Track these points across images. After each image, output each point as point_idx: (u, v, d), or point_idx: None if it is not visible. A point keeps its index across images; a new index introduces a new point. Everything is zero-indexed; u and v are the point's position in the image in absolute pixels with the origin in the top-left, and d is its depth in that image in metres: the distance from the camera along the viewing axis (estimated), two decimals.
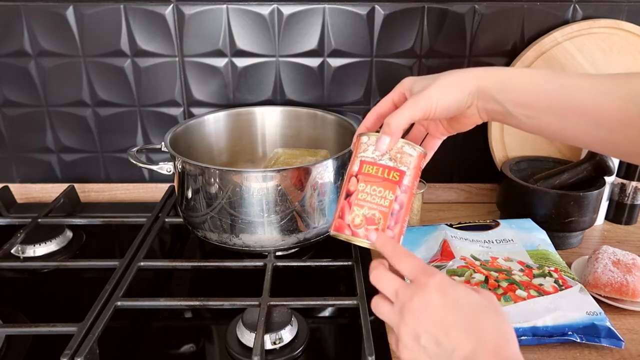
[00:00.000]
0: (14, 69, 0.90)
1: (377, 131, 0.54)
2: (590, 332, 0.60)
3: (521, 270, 0.67)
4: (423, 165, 0.54)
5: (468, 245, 0.73)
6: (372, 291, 0.72)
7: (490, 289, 0.63)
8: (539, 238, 0.75)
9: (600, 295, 0.69)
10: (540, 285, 0.65)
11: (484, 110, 0.53)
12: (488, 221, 0.80)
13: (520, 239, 0.75)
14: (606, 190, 0.86)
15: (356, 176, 0.52)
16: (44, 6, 0.86)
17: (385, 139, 0.51)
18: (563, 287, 0.64)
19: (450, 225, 0.78)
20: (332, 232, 0.53)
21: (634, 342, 0.63)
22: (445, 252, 0.71)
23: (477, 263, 0.69)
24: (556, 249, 0.75)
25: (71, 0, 0.86)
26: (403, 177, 0.51)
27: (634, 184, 0.88)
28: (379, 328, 0.65)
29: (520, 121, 0.51)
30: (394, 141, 0.51)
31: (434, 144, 0.60)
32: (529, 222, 0.79)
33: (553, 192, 0.79)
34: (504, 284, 0.64)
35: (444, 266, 0.68)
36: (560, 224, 0.80)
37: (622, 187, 0.89)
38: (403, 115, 0.51)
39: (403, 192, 0.52)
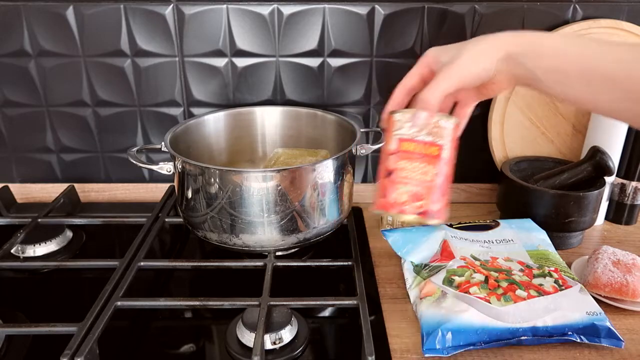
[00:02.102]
0: (14, 69, 0.90)
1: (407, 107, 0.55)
2: (590, 332, 0.60)
3: (521, 271, 0.67)
4: (457, 135, 0.55)
5: (468, 245, 0.73)
6: (371, 291, 0.72)
7: (490, 289, 0.63)
8: (539, 238, 0.75)
9: (600, 295, 0.69)
10: (540, 285, 0.64)
11: (512, 76, 0.52)
12: (488, 221, 0.79)
13: (520, 239, 0.75)
14: (606, 190, 0.86)
15: (395, 154, 0.53)
16: (44, 6, 0.86)
17: (422, 114, 0.52)
18: (563, 287, 0.64)
19: (450, 225, 0.78)
20: (377, 211, 0.55)
21: (633, 342, 0.63)
22: (445, 252, 0.71)
23: (477, 263, 0.69)
24: (556, 249, 0.75)
25: (71, 0, 0.86)
26: (442, 150, 0.53)
27: (634, 184, 0.88)
28: (379, 328, 0.65)
29: (549, 87, 0.51)
30: (431, 116, 0.52)
31: (466, 112, 0.60)
32: (528, 222, 0.79)
33: (553, 192, 0.79)
34: (504, 284, 0.64)
35: (444, 266, 0.68)
36: (560, 224, 0.80)
37: (622, 187, 0.89)
38: (438, 88, 0.51)
39: (444, 165, 0.53)
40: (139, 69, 0.91)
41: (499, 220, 0.80)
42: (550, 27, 0.88)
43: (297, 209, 0.71)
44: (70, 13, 0.86)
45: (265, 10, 0.87)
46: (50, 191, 0.99)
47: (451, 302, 0.62)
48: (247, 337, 0.61)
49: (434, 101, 0.51)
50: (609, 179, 0.86)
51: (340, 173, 0.74)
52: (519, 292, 0.63)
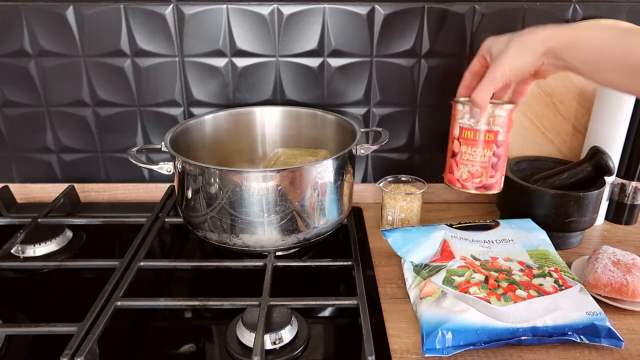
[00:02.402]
0: (14, 69, 0.90)
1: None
2: (590, 332, 0.60)
3: (521, 271, 0.67)
4: (514, 113, 0.64)
5: (468, 245, 0.73)
6: (371, 291, 0.72)
7: (490, 289, 0.63)
8: (539, 238, 0.76)
9: (600, 295, 0.69)
10: (541, 285, 0.64)
11: (553, 66, 0.59)
12: (488, 221, 0.79)
13: (520, 239, 0.75)
14: (606, 190, 0.86)
15: (458, 139, 0.66)
16: (44, 6, 0.86)
17: (476, 111, 0.62)
18: (563, 287, 0.64)
19: (450, 226, 0.78)
20: (447, 184, 0.69)
21: (633, 342, 0.63)
22: (445, 252, 0.71)
23: (477, 263, 0.69)
24: (556, 249, 0.75)
25: (71, 0, 0.86)
26: (497, 135, 0.64)
27: (634, 184, 0.88)
28: (379, 328, 0.65)
29: (589, 76, 0.56)
30: (483, 112, 0.62)
31: (524, 91, 0.66)
32: (528, 222, 0.79)
33: (553, 192, 0.79)
34: (504, 284, 0.64)
35: (444, 266, 0.68)
36: (560, 224, 0.80)
37: (622, 187, 0.89)
38: (484, 90, 0.60)
39: (499, 147, 0.65)
40: (139, 69, 0.91)
41: (499, 220, 0.79)
42: None
43: (297, 209, 0.71)
44: (70, 13, 0.86)
45: (265, 10, 0.87)
46: (50, 191, 0.99)
47: (451, 302, 0.62)
48: (247, 337, 0.61)
49: (482, 102, 0.61)
50: (609, 179, 0.86)
51: (340, 173, 0.74)
52: (519, 292, 0.63)
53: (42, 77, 0.91)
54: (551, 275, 0.66)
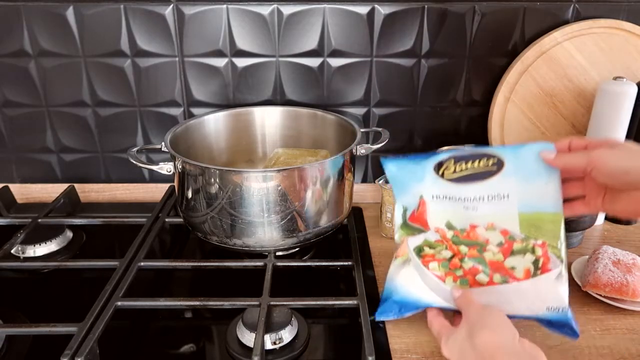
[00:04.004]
0: (14, 69, 0.90)
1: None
2: (545, 324, 0.60)
3: (499, 245, 0.60)
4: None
5: (448, 207, 0.63)
6: (372, 291, 0.72)
7: (450, 269, 0.60)
8: (548, 193, 0.60)
9: (600, 295, 0.69)
10: (512, 268, 0.59)
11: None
12: (490, 163, 0.62)
13: (517, 195, 0.61)
14: None
15: None
16: (44, 6, 0.86)
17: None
18: (538, 273, 0.58)
19: (442, 176, 0.63)
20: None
21: (633, 342, 0.63)
22: (420, 214, 0.64)
23: (450, 234, 0.62)
24: None
25: (71, 0, 0.86)
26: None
27: None
28: (379, 328, 0.65)
29: None
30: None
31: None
32: (542, 167, 0.60)
33: None
34: (468, 265, 0.60)
35: (424, 232, 0.63)
36: None
37: None
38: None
39: None
40: (139, 69, 0.91)
41: (505, 159, 0.61)
42: (550, 27, 0.88)
43: (297, 209, 0.71)
44: (70, 13, 0.86)
45: (265, 10, 0.87)
46: (50, 191, 0.99)
47: (410, 272, 0.62)
48: (247, 337, 0.61)
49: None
50: None
51: (340, 173, 0.74)
52: (479, 277, 0.59)
53: (42, 77, 0.91)
54: (533, 252, 0.59)
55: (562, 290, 0.58)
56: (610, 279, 0.68)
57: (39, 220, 0.85)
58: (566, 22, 0.88)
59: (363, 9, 0.87)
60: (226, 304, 0.65)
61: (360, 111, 0.95)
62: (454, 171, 0.64)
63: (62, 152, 0.97)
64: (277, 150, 0.90)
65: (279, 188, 0.69)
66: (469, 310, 0.54)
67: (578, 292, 0.71)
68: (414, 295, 0.62)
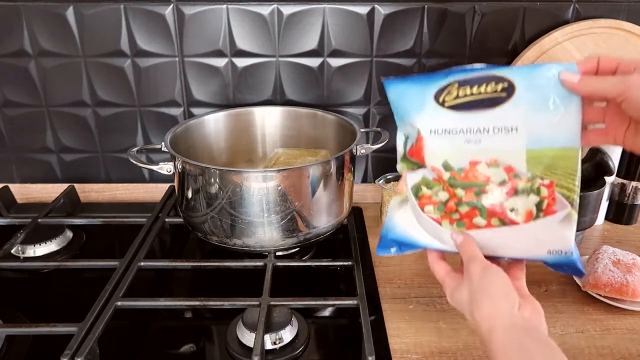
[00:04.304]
0: (14, 69, 0.90)
1: None
2: (550, 265, 0.55)
3: (501, 184, 0.54)
4: None
5: (447, 142, 0.56)
6: (372, 291, 0.72)
7: (445, 212, 0.56)
8: (564, 125, 0.51)
9: (600, 295, 0.69)
10: (512, 210, 0.53)
11: None
12: (500, 88, 0.53)
13: (528, 128, 0.52)
14: (606, 190, 0.86)
15: None
16: (44, 6, 0.86)
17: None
18: (541, 215, 0.52)
19: (442, 104, 0.55)
20: None
21: (633, 342, 0.63)
22: (417, 150, 0.59)
23: (447, 176, 0.56)
24: None
25: (71, 0, 0.86)
26: None
27: (634, 184, 0.88)
28: (379, 328, 0.65)
29: None
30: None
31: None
32: (560, 93, 0.50)
33: None
34: (464, 209, 0.55)
35: (422, 168, 0.59)
36: None
37: (622, 187, 0.89)
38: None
39: None
40: (139, 69, 0.91)
41: (518, 84, 0.52)
42: (550, 27, 0.88)
43: (297, 209, 0.71)
44: (70, 13, 0.86)
45: (265, 10, 0.87)
46: (50, 191, 0.99)
47: (407, 213, 0.59)
48: (247, 337, 0.61)
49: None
50: (609, 179, 0.86)
51: (340, 173, 0.74)
52: (476, 220, 0.54)
53: (42, 77, 0.91)
54: (538, 193, 0.53)
55: (568, 234, 0.52)
56: (610, 279, 0.68)
57: (39, 220, 0.85)
58: (566, 22, 0.88)
59: (363, 9, 0.87)
60: (226, 304, 0.65)
61: (360, 111, 0.95)
62: (457, 96, 0.56)
63: (62, 152, 0.97)
64: (277, 150, 0.90)
65: (279, 188, 0.69)
66: (472, 269, 0.51)
67: (578, 292, 0.71)
68: (411, 236, 0.59)
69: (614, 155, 0.85)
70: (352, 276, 0.71)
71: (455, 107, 0.56)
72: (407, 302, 0.70)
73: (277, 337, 0.61)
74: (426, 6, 0.87)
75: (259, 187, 0.69)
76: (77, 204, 0.97)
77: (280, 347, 0.61)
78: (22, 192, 0.99)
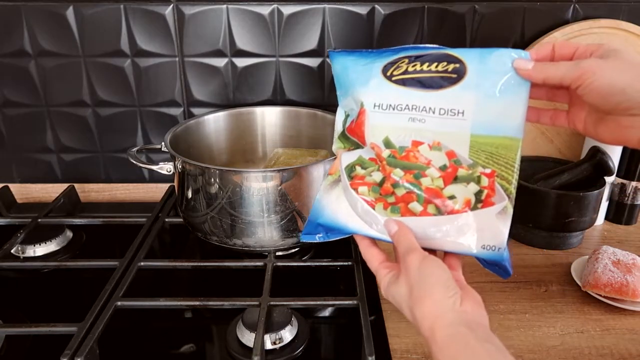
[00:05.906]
0: (14, 69, 0.90)
1: None
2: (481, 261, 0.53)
3: (441, 169, 0.51)
4: None
5: (390, 119, 0.54)
6: (372, 291, 0.72)
7: (380, 195, 0.53)
8: (510, 113, 0.51)
9: (600, 296, 0.69)
10: (450, 197, 0.51)
11: None
12: (450, 69, 0.53)
13: (474, 114, 0.51)
14: (606, 190, 0.86)
15: None
16: (44, 6, 0.86)
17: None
18: (479, 206, 0.50)
19: (390, 78, 0.55)
20: None
21: (633, 342, 0.63)
22: (358, 126, 0.56)
23: (386, 153, 0.53)
24: (556, 249, 0.74)
25: (71, 0, 0.86)
26: None
27: (634, 184, 0.88)
28: (379, 328, 0.65)
29: None
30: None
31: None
32: (511, 80, 0.51)
33: (553, 192, 0.79)
34: (400, 192, 0.52)
35: (359, 148, 0.57)
36: (560, 224, 0.80)
37: (622, 187, 0.89)
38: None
39: None
40: (139, 69, 0.91)
41: (469, 67, 0.52)
42: (550, 27, 0.88)
43: (297, 209, 0.71)
44: (70, 13, 0.86)
45: (265, 10, 0.87)
46: (50, 191, 0.99)
47: (338, 193, 0.56)
48: (247, 337, 0.61)
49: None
50: (609, 179, 0.86)
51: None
52: (412, 205, 0.51)
53: (42, 77, 0.91)
54: (478, 182, 0.50)
55: (503, 229, 0.50)
56: (610, 279, 0.68)
57: (39, 220, 0.85)
58: (566, 22, 0.88)
59: (363, 9, 0.87)
60: (226, 304, 0.65)
61: None
62: (405, 71, 0.54)
63: (62, 152, 0.97)
64: (277, 150, 0.90)
65: (279, 188, 0.69)
66: (409, 261, 0.47)
67: (578, 292, 0.71)
68: (340, 220, 0.55)
69: (614, 155, 0.85)
70: (352, 276, 0.71)
71: (402, 82, 0.54)
72: None
73: (277, 337, 0.61)
74: (426, 6, 0.87)
75: (258, 187, 0.69)
76: (77, 204, 0.97)
77: (280, 347, 0.61)
78: (22, 192, 0.99)
